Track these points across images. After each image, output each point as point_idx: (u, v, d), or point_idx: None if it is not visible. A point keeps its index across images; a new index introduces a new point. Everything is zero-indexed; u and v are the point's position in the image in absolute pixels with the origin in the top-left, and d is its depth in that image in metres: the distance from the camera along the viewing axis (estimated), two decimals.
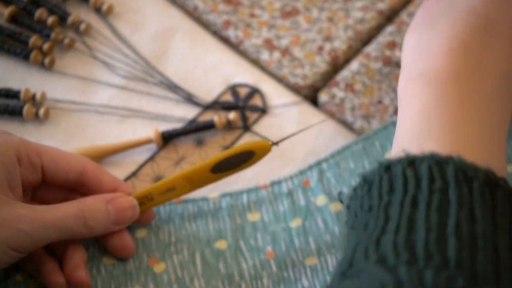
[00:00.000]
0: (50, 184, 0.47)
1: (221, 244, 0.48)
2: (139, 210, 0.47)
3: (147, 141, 0.54)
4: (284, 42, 0.60)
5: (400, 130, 0.41)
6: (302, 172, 0.51)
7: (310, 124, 0.51)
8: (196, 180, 0.47)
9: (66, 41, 0.59)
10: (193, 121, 0.55)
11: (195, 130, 0.54)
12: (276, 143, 0.48)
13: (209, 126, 0.54)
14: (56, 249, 0.46)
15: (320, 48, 0.59)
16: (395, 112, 0.55)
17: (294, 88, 0.58)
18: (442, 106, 0.40)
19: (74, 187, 0.47)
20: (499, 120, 0.41)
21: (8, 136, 0.45)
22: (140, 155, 0.54)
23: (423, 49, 0.43)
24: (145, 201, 0.47)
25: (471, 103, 0.40)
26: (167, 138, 0.54)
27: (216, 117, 0.54)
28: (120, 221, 0.46)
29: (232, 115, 0.54)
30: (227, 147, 0.54)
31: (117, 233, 0.47)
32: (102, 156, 0.53)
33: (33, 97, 0.56)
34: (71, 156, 0.47)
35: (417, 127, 0.40)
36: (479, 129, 0.40)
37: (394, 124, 0.52)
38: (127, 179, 0.53)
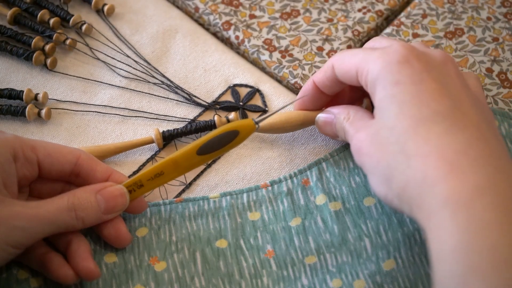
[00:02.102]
0: (46, 177, 0.47)
1: (222, 243, 0.49)
2: (129, 198, 0.47)
3: (148, 142, 0.54)
4: (284, 42, 0.60)
5: (438, 274, 0.38)
6: (301, 172, 0.51)
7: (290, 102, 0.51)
8: (183, 164, 0.47)
9: (68, 42, 0.59)
10: (193, 121, 0.56)
11: (195, 130, 0.54)
12: (257, 122, 0.48)
13: (210, 126, 0.54)
14: (59, 243, 0.46)
15: (320, 49, 0.60)
16: None
17: (294, 88, 0.58)
18: (481, 239, 0.36)
19: (69, 179, 0.48)
20: None
21: (2, 135, 0.45)
22: (140, 155, 0.54)
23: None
24: (135, 188, 0.47)
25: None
26: (168, 138, 0.54)
27: (217, 117, 0.54)
28: (111, 210, 0.46)
29: (232, 115, 0.55)
30: None
31: (111, 223, 0.47)
32: (103, 156, 0.53)
33: (35, 98, 0.56)
34: (65, 148, 0.47)
35: (457, 269, 0.36)
36: None
37: None
38: None
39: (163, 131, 0.54)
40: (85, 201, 0.45)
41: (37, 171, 0.47)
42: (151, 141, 0.54)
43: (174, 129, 0.54)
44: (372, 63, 0.44)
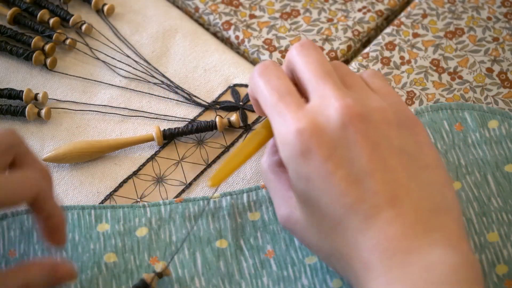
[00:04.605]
0: None
1: (222, 243, 0.49)
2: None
3: (149, 139, 0.54)
4: (284, 42, 0.60)
5: None
6: None
7: None
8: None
9: (68, 41, 0.59)
10: (193, 121, 0.56)
11: (196, 130, 0.54)
12: None
13: (211, 126, 0.54)
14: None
15: (320, 49, 0.60)
16: None
17: None
18: None
19: None
20: None
21: None
22: (141, 155, 0.54)
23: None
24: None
25: None
26: (168, 137, 0.54)
27: (218, 118, 0.54)
28: (57, 283, 0.42)
29: (233, 116, 0.55)
30: (227, 147, 0.55)
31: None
32: (103, 151, 0.53)
33: (35, 98, 0.56)
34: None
35: None
36: None
37: None
38: (127, 178, 0.53)
39: (164, 129, 0.54)
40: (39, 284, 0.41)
41: None
42: (152, 139, 0.54)
43: (175, 128, 0.54)
44: (278, 142, 0.41)
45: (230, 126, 0.55)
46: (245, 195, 0.50)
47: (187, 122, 0.55)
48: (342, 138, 0.40)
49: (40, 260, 0.42)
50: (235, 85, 0.58)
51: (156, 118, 0.56)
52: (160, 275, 0.46)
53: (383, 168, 0.40)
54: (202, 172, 0.53)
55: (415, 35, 0.60)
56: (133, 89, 0.58)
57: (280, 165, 0.46)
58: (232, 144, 0.55)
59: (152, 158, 0.54)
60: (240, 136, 0.55)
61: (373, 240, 0.39)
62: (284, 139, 0.41)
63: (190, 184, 0.53)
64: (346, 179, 0.39)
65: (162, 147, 0.54)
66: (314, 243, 0.43)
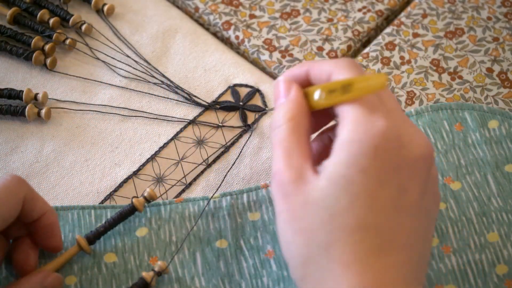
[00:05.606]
0: None
1: (222, 243, 0.49)
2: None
3: (75, 253, 0.48)
4: (284, 42, 0.60)
5: None
6: None
7: None
8: None
9: (68, 41, 0.59)
10: (193, 121, 0.56)
11: (119, 219, 0.49)
12: None
13: (130, 211, 0.49)
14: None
15: (320, 49, 0.60)
16: None
17: None
18: None
19: None
20: None
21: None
22: (140, 155, 0.54)
23: None
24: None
25: None
26: (93, 240, 0.48)
27: (134, 200, 0.49)
28: None
29: (146, 190, 0.49)
30: (227, 147, 0.55)
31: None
32: None
33: (35, 97, 0.56)
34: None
35: None
36: None
37: None
38: (127, 178, 0.53)
39: (86, 235, 0.48)
40: None
41: None
42: (76, 251, 0.48)
43: (96, 229, 0.48)
44: (349, 127, 0.39)
45: (148, 201, 0.49)
46: (245, 195, 0.50)
47: (110, 218, 0.49)
48: (413, 165, 0.39)
49: (28, 277, 0.45)
50: (235, 85, 0.58)
51: (156, 118, 0.56)
52: (159, 273, 0.46)
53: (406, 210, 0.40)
54: (202, 172, 0.53)
55: (415, 35, 0.60)
56: (133, 89, 0.58)
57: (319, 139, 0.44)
58: (232, 143, 0.55)
59: (152, 158, 0.54)
60: (240, 135, 0.55)
61: (357, 279, 0.38)
62: (356, 136, 0.38)
63: (190, 184, 0.53)
64: (391, 200, 0.39)
65: (162, 147, 0.55)
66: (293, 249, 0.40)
